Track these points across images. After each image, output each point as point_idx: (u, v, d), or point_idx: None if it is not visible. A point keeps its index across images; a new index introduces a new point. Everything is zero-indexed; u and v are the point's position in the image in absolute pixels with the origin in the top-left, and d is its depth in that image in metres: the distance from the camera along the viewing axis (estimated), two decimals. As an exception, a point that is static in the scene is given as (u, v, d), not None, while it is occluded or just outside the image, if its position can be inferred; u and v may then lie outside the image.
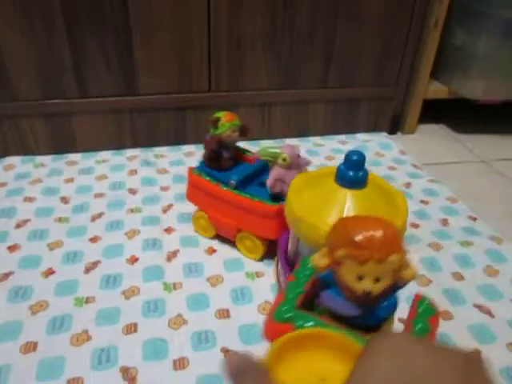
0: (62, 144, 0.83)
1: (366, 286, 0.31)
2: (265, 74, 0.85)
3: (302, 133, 0.93)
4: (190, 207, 0.70)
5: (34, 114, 0.80)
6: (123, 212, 0.69)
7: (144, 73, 0.80)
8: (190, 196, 0.64)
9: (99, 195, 0.73)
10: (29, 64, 0.75)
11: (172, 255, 0.61)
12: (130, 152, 0.85)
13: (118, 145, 0.86)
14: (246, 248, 0.61)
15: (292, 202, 0.46)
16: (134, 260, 0.59)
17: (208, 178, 0.60)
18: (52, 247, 0.62)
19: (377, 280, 0.31)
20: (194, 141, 0.88)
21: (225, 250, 0.62)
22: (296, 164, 0.55)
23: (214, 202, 0.60)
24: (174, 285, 0.56)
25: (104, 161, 0.83)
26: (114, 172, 0.79)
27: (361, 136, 0.95)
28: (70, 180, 0.77)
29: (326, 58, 0.86)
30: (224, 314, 0.52)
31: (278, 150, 0.55)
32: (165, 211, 0.70)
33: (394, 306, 0.33)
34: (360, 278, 0.31)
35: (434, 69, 0.94)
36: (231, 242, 0.62)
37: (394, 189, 0.49)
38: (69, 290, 0.55)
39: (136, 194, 0.73)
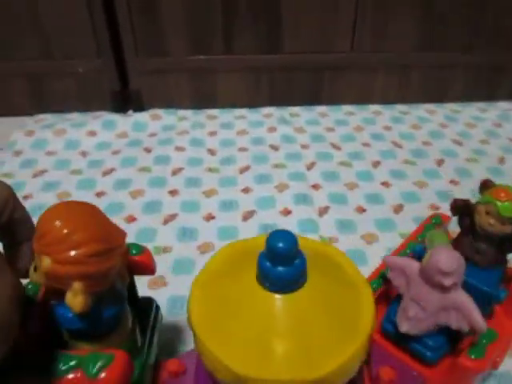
0: (202, 99, 0.87)
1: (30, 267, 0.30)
2: (408, 35, 0.82)
3: (439, 98, 0.89)
4: (333, 165, 0.72)
5: (180, 69, 0.83)
6: (268, 166, 0.71)
7: (289, 32, 0.80)
8: None
9: (243, 149, 0.76)
10: (182, 22, 0.78)
11: (323, 210, 0.62)
12: (265, 110, 0.87)
13: (255, 102, 0.87)
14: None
15: (217, 353, 0.26)
16: (287, 212, 0.62)
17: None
18: (208, 195, 0.65)
19: (35, 268, 0.29)
20: (328, 102, 0.88)
21: (375, 209, 0.63)
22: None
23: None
24: (330, 239, 0.58)
25: (242, 117, 0.85)
26: (253, 128, 0.82)
27: (503, 104, 0.89)
28: (213, 133, 0.80)
29: (474, 23, 0.81)
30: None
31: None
32: (309, 168, 0.71)
33: (69, 322, 0.30)
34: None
35: None
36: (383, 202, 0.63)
37: (335, 252, 0.32)
38: (228, 234, 0.59)
39: (278, 151, 0.75)
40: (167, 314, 0.48)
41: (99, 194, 0.65)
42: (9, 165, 0.72)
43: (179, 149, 0.76)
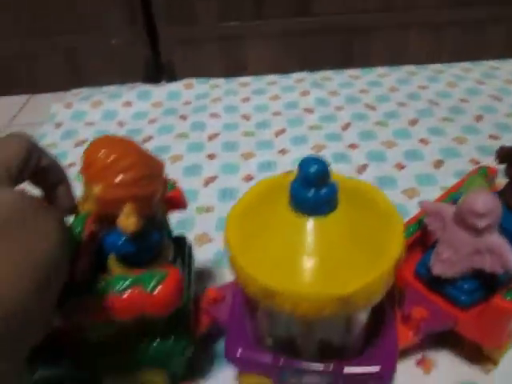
0: (233, 67, 0.87)
1: (80, 198, 0.32)
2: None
3: (476, 56, 0.87)
4: (369, 125, 0.71)
5: (211, 37, 0.84)
6: (304, 129, 0.72)
7: (319, -8, 0.79)
8: None
9: (277, 113, 0.76)
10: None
11: (362, 168, 0.62)
12: (296, 75, 0.87)
13: (286, 68, 0.87)
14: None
15: (247, 268, 0.29)
16: (325, 171, 0.62)
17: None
18: (246, 157, 0.66)
19: (84, 198, 0.31)
20: (360, 65, 0.87)
21: (415, 165, 0.62)
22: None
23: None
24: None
25: (273, 83, 0.85)
26: (285, 93, 0.82)
27: (545, 60, 0.86)
28: (246, 99, 0.81)
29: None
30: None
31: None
32: (344, 129, 0.71)
33: (119, 248, 0.32)
34: None
35: None
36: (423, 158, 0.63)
37: (369, 188, 0.34)
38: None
39: (312, 114, 0.75)
40: (213, 267, 0.49)
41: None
42: (51, 136, 0.74)
43: (214, 115, 0.76)
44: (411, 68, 0.86)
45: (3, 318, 0.21)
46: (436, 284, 0.37)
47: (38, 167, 0.30)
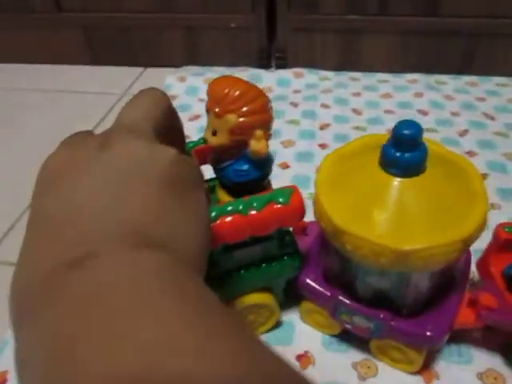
0: (345, 61, 0.87)
1: (206, 134, 0.36)
2: None
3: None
4: (488, 133, 0.68)
5: (328, 28, 0.84)
6: (417, 130, 0.70)
7: (449, -7, 0.77)
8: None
9: (389, 111, 0.75)
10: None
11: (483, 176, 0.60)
12: (409, 76, 0.85)
13: (399, 67, 0.86)
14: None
15: (326, 205, 0.33)
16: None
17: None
18: (358, 151, 0.66)
19: (214, 133, 0.35)
20: (480, 72, 0.84)
21: None
22: None
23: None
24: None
25: (385, 81, 0.84)
26: (398, 92, 0.80)
27: None
28: (357, 94, 0.80)
29: None
30: None
31: None
32: (461, 135, 0.69)
33: (246, 175, 0.36)
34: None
35: None
36: None
37: (462, 160, 0.36)
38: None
39: (427, 115, 0.74)
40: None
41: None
42: (166, 108, 0.77)
43: (325, 106, 0.76)
44: (536, 81, 0.82)
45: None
46: None
47: (173, 128, 0.30)
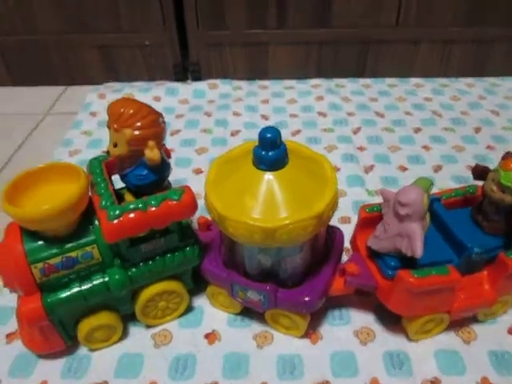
0: (255, 71, 0.94)
1: (108, 147, 0.43)
2: (452, 10, 0.87)
3: (479, 73, 0.94)
4: (377, 130, 0.78)
5: (236, 42, 0.91)
6: (317, 130, 0.79)
7: (337, 7, 0.86)
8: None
9: (293, 115, 0.83)
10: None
11: (369, 168, 0.69)
12: (313, 81, 0.94)
13: (303, 74, 0.94)
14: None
15: (212, 199, 0.40)
16: (336, 169, 0.69)
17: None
18: (264, 153, 0.73)
19: (115, 145, 0.42)
20: (372, 75, 0.94)
21: (417, 168, 0.69)
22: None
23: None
24: (375, 192, 0.65)
25: (291, 87, 0.92)
26: (302, 97, 0.89)
27: (543, 79, 0.93)
28: (265, 101, 0.88)
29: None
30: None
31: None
32: (355, 133, 0.78)
33: (145, 178, 0.43)
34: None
35: None
36: (424, 162, 0.70)
37: (318, 155, 0.44)
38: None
39: (326, 117, 0.82)
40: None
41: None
42: (86, 124, 0.82)
43: (236, 114, 0.84)
44: (419, 80, 0.93)
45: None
46: (374, 255, 0.45)
47: None
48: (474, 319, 0.47)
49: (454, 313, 0.44)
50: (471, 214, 0.46)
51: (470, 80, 0.93)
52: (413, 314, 0.44)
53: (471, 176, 0.45)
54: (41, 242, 0.40)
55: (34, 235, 0.40)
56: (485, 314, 0.46)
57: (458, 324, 0.46)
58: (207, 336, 0.47)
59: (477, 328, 0.47)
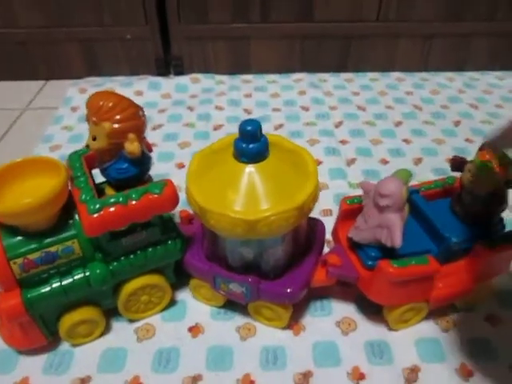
0: (237, 65, 0.94)
1: (88, 141, 0.43)
2: (432, 5, 0.88)
3: (459, 67, 0.95)
4: (359, 123, 0.79)
5: (218, 36, 0.91)
6: (300, 124, 0.79)
7: (320, 2, 0.86)
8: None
9: (276, 109, 0.84)
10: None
11: (351, 161, 0.70)
12: (296, 76, 0.94)
13: (286, 68, 0.95)
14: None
15: (193, 192, 0.40)
16: (318, 163, 0.69)
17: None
18: (247, 147, 0.73)
19: (94, 139, 0.42)
20: (354, 69, 0.95)
21: (398, 161, 0.70)
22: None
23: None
24: (357, 185, 0.65)
25: (274, 81, 0.92)
26: (285, 91, 0.89)
27: (521, 73, 0.95)
28: (248, 95, 0.88)
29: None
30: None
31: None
32: (337, 126, 0.78)
33: (126, 171, 0.43)
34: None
35: None
36: (404, 155, 0.71)
37: (300, 148, 0.44)
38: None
39: (308, 111, 0.83)
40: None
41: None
42: (67, 119, 0.81)
43: (219, 108, 0.84)
44: (400, 75, 0.94)
45: None
46: (356, 246, 0.45)
47: None
48: (453, 308, 0.48)
49: (433, 302, 0.45)
50: (450, 205, 0.47)
51: (450, 74, 0.95)
52: (393, 303, 0.44)
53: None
54: (20, 238, 0.39)
55: (12, 230, 0.39)
56: (463, 302, 0.47)
57: (437, 313, 0.47)
58: (191, 329, 0.47)
59: (455, 317, 0.48)
